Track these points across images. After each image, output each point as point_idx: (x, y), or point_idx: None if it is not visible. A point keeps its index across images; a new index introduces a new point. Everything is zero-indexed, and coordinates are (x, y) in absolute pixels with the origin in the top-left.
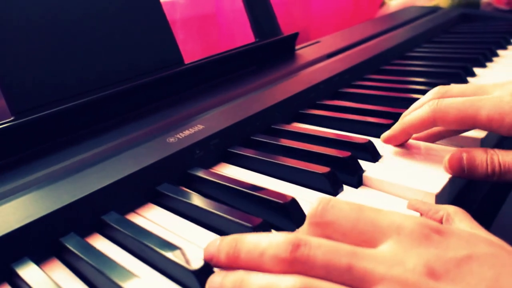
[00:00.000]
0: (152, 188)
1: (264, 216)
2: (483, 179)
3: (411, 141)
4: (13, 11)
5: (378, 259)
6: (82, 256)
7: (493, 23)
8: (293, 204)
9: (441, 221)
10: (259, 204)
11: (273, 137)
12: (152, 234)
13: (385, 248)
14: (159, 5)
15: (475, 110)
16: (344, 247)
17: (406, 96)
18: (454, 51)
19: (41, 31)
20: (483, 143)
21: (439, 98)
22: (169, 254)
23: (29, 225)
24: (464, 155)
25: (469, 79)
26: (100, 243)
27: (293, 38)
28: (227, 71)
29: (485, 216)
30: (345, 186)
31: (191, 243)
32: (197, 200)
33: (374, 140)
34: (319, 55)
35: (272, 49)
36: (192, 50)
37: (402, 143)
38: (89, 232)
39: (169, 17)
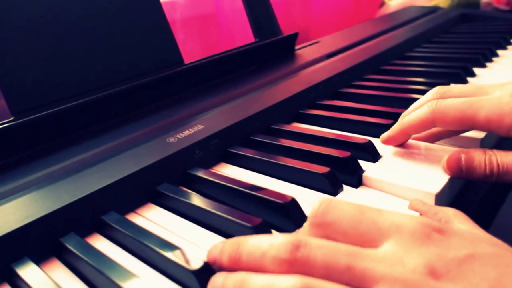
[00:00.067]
0: (152, 188)
1: (264, 216)
2: (482, 180)
3: (411, 141)
4: (13, 11)
5: (378, 259)
6: (82, 256)
7: (493, 23)
8: (293, 204)
9: None
10: (259, 204)
11: (273, 137)
12: (152, 234)
13: (386, 248)
14: (159, 5)
15: (473, 111)
16: (344, 247)
17: (406, 96)
18: (454, 51)
19: (41, 31)
20: (483, 143)
21: (438, 98)
22: (169, 254)
23: (29, 225)
24: (463, 156)
25: (469, 79)
26: (100, 243)
27: (293, 38)
28: (227, 71)
29: (485, 216)
30: (345, 186)
31: (191, 243)
32: (197, 200)
33: (374, 140)
34: (319, 55)
35: (272, 49)
36: (192, 50)
37: (401, 144)
38: (89, 232)
39: (169, 17)
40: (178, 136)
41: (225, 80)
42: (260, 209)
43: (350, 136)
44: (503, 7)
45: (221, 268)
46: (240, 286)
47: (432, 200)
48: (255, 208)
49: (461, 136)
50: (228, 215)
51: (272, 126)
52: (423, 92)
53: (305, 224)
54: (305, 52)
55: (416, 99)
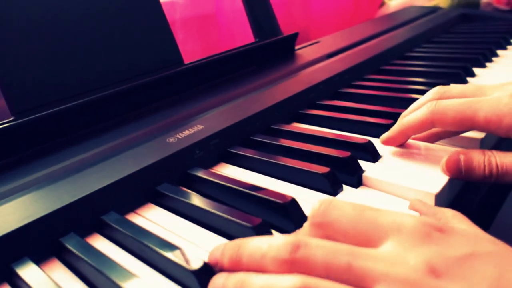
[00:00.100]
0: (152, 188)
1: (264, 216)
2: (481, 181)
3: (410, 141)
4: (13, 11)
5: (378, 258)
6: (82, 256)
7: (493, 23)
8: (293, 204)
9: None
10: (259, 204)
11: (273, 137)
12: (152, 234)
13: (386, 248)
14: (159, 5)
15: (472, 112)
16: (344, 247)
17: (406, 96)
18: (454, 51)
19: (41, 31)
20: (483, 143)
21: (438, 98)
22: (169, 254)
23: (29, 225)
24: (462, 157)
25: (468, 79)
26: (100, 243)
27: (293, 38)
28: (227, 71)
29: (485, 216)
30: (344, 186)
31: (191, 243)
32: (197, 200)
33: (374, 140)
34: (319, 55)
35: (272, 49)
36: (192, 50)
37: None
38: (89, 232)
39: (169, 17)
40: (178, 136)
41: (225, 80)
42: (260, 209)
43: (350, 136)
44: (503, 7)
45: (223, 270)
46: (241, 287)
47: (432, 200)
48: (255, 208)
49: (461, 136)
50: (228, 215)
51: (272, 126)
52: (423, 92)
53: (305, 224)
54: (305, 52)
55: (416, 99)
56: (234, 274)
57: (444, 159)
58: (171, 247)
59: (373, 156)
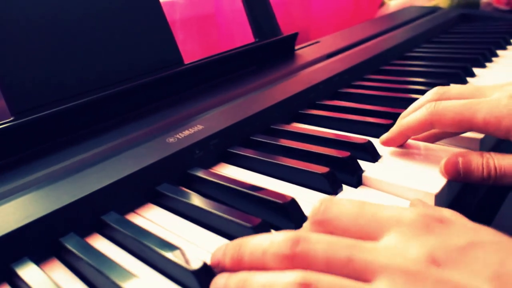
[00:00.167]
0: (152, 188)
1: (264, 216)
2: (479, 183)
3: (410, 141)
4: (13, 11)
5: (378, 250)
6: (82, 256)
7: (492, 23)
8: (293, 204)
9: None
10: (259, 204)
11: (273, 137)
12: (151, 234)
13: (387, 240)
14: (158, 5)
15: (471, 113)
16: (344, 241)
17: (406, 96)
18: (454, 51)
19: (41, 31)
20: (483, 143)
21: (437, 99)
22: (169, 254)
23: (29, 225)
24: (460, 160)
25: (468, 79)
26: (100, 243)
27: (293, 38)
28: (226, 71)
29: (483, 218)
30: (344, 186)
31: (191, 243)
32: (196, 200)
33: (373, 140)
34: (319, 55)
35: (271, 49)
36: (192, 50)
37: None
38: (89, 232)
39: (168, 17)
40: (178, 136)
41: (225, 80)
42: (260, 209)
43: (350, 136)
44: (503, 7)
45: (224, 270)
46: (243, 286)
47: (431, 201)
48: (254, 208)
49: (461, 137)
50: (228, 215)
51: (272, 126)
52: (422, 92)
53: (306, 223)
54: (305, 52)
55: (416, 99)
56: (236, 273)
57: (442, 162)
58: (171, 247)
59: (373, 156)
